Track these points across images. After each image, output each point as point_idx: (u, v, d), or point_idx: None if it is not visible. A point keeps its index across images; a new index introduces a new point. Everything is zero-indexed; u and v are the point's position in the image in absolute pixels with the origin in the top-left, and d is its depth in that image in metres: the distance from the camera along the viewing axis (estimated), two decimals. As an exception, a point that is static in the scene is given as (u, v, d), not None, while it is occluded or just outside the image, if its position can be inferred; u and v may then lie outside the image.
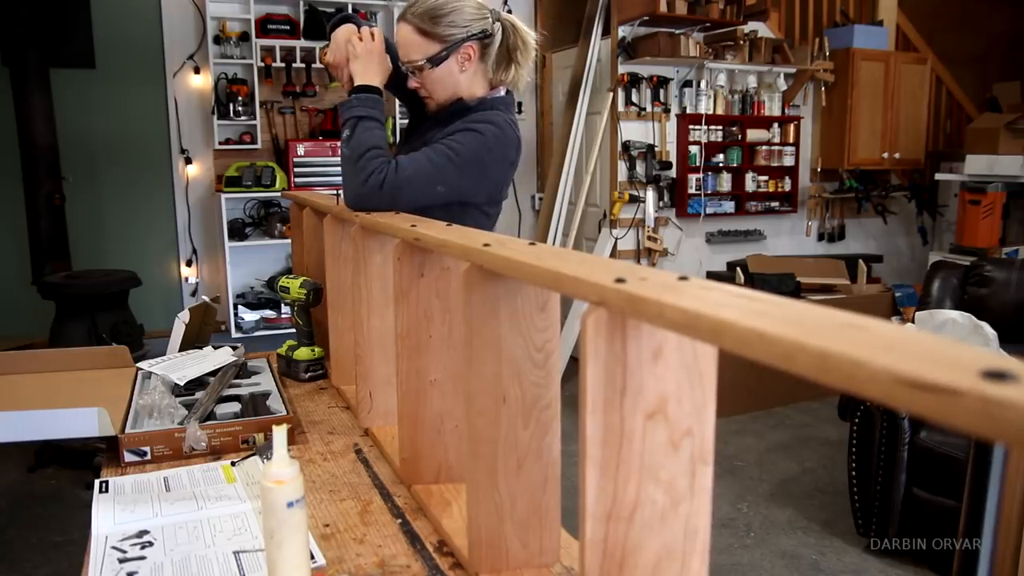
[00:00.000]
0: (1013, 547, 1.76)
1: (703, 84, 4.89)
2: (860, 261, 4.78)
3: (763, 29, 5.08)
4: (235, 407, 1.41)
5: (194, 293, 4.74)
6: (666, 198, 4.96)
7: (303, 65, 4.66)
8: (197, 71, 4.61)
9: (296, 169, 4.57)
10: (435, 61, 1.53)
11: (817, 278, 4.70)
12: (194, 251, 4.77)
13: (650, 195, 4.82)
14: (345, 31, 1.59)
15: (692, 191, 4.96)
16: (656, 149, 4.87)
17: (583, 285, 0.62)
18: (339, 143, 1.53)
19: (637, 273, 0.61)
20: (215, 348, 1.73)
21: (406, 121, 1.88)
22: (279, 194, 4.54)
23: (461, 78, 1.56)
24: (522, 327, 0.83)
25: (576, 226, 4.89)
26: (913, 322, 3.44)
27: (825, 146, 5.43)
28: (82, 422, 1.24)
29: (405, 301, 1.06)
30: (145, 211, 4.72)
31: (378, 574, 0.93)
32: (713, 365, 0.63)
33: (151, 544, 0.98)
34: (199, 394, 1.47)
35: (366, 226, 1.33)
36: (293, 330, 1.75)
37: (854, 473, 2.80)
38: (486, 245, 0.82)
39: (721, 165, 5.07)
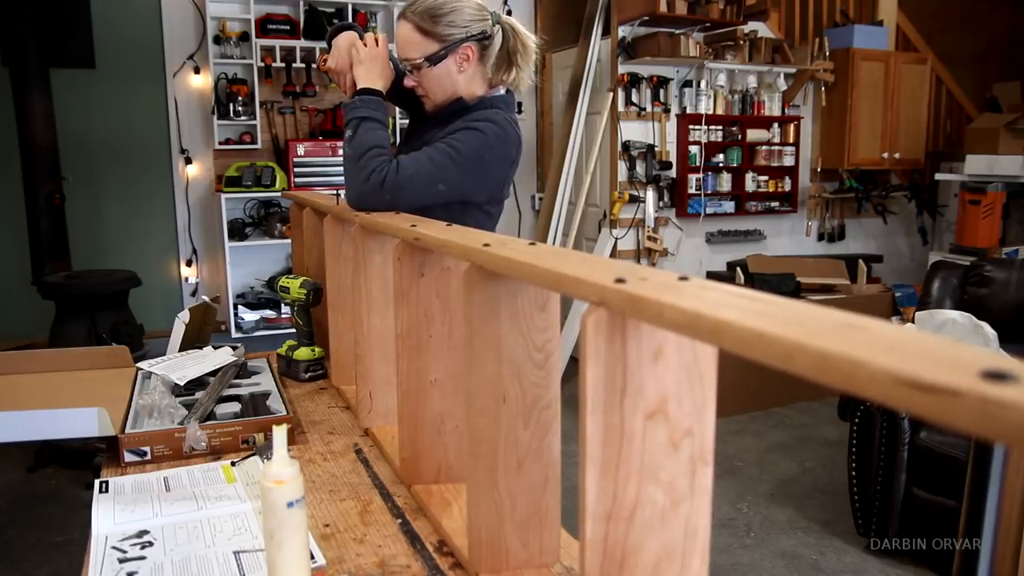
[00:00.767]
0: (1013, 547, 1.76)
1: (703, 84, 4.89)
2: (860, 261, 4.78)
3: (763, 29, 5.08)
4: (235, 407, 1.41)
5: (194, 293, 4.74)
6: (666, 198, 4.96)
7: (303, 65, 4.66)
8: (197, 71, 4.61)
9: (296, 169, 4.57)
10: (433, 60, 1.53)
11: (817, 278, 4.70)
12: (194, 251, 4.77)
13: (650, 195, 4.82)
14: (347, 37, 1.60)
15: (692, 191, 4.96)
16: (656, 149, 4.87)
17: (583, 285, 0.62)
18: (340, 143, 1.55)
19: (637, 273, 0.61)
20: (215, 348, 1.73)
21: (406, 122, 1.89)
22: (279, 194, 4.54)
23: (459, 79, 1.56)
24: (522, 327, 0.83)
25: (576, 226, 4.89)
26: (913, 322, 3.44)
27: (825, 146, 5.43)
28: (82, 422, 1.24)
29: (405, 301, 1.06)
30: (145, 211, 4.72)
31: (378, 574, 0.93)
32: (713, 365, 0.63)
33: (151, 544, 0.98)
34: (199, 394, 1.47)
35: (366, 226, 1.33)
36: (293, 330, 1.75)
37: (854, 473, 2.80)
38: (486, 245, 0.82)
39: (721, 165, 5.07)
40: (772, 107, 5.22)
